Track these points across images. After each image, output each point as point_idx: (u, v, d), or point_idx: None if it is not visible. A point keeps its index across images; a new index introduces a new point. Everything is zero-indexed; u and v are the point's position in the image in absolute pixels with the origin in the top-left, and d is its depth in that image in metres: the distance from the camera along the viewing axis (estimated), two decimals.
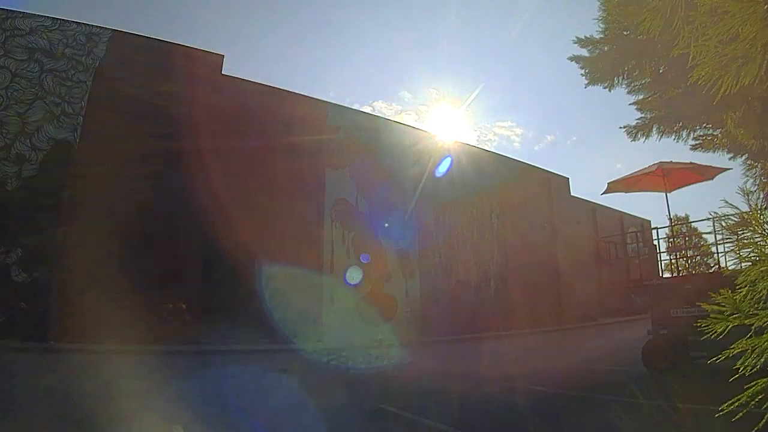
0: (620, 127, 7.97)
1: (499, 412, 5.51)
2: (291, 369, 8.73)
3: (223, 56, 13.10)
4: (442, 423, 4.86)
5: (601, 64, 7.22)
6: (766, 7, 2.07)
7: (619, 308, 23.36)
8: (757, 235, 2.15)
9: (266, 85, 14.65)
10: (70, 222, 10.31)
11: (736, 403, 2.08)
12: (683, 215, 46.43)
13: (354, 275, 14.47)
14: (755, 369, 2.13)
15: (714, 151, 7.58)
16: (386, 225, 15.57)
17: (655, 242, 10.20)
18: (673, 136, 7.50)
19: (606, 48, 7.17)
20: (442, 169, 17.54)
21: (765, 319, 2.02)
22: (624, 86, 7.34)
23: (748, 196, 2.24)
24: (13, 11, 10.87)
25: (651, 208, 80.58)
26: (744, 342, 2.13)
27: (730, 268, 2.77)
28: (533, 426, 4.84)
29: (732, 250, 2.28)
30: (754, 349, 2.09)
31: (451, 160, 17.84)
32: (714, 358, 2.28)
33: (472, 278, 17.85)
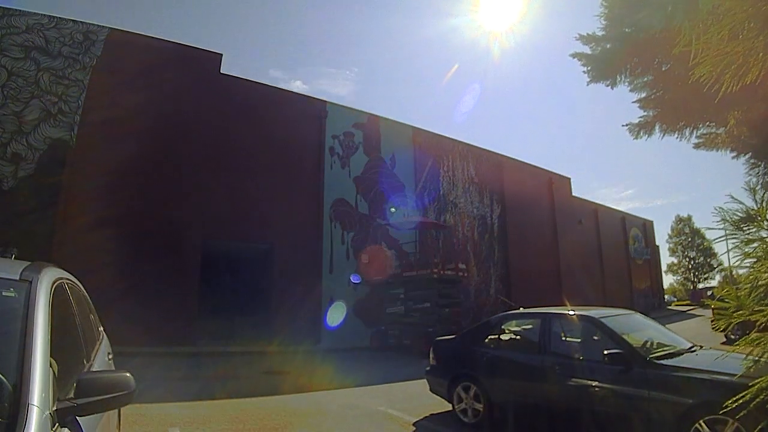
0: (622, 125, 7.86)
1: None
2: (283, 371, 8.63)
3: (221, 55, 13.04)
4: None
5: (603, 62, 7.12)
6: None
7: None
8: (762, 231, 2.06)
9: (266, 85, 14.64)
10: (67, 221, 10.25)
11: (740, 401, 2.01)
12: (685, 216, 46.05)
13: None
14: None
15: (717, 150, 7.46)
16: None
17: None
18: (676, 134, 7.39)
19: (608, 45, 7.07)
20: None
21: None
22: (626, 84, 7.25)
23: (754, 192, 2.15)
24: (9, 9, 10.82)
25: (653, 208, 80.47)
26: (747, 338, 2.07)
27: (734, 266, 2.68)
28: None
29: (736, 246, 2.18)
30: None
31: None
32: None
33: (473, 279, 17.74)
